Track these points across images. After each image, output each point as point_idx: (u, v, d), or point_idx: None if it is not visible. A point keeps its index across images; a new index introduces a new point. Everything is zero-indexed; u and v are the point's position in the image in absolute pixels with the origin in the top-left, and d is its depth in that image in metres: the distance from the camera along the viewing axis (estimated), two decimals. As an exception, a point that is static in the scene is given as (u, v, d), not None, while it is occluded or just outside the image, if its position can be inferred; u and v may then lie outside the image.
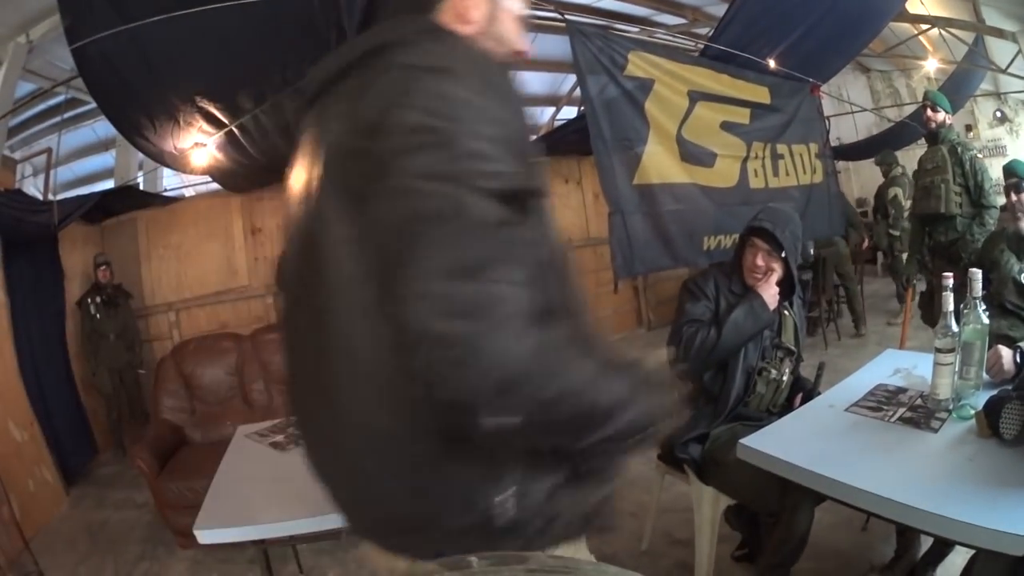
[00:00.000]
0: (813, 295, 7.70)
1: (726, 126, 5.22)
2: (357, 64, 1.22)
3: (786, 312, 3.16)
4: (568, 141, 7.93)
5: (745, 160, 5.39)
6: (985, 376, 2.58)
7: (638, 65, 4.59)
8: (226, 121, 4.96)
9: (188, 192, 8.34)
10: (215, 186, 7.48)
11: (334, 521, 2.42)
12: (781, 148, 5.82)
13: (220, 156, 5.60)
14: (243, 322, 7.64)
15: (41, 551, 4.45)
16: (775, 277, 3.00)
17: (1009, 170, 3.63)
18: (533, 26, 4.90)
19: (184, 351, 5.65)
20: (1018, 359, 2.66)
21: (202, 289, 7.89)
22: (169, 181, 8.35)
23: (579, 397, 1.10)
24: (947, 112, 5.41)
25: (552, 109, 9.38)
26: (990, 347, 2.89)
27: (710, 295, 3.05)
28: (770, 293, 2.98)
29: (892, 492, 1.95)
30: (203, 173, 6.12)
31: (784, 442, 2.42)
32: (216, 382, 5.45)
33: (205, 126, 4.98)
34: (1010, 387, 2.29)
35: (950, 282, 2.47)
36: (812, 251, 7.26)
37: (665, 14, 9.23)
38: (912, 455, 2.23)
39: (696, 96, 4.94)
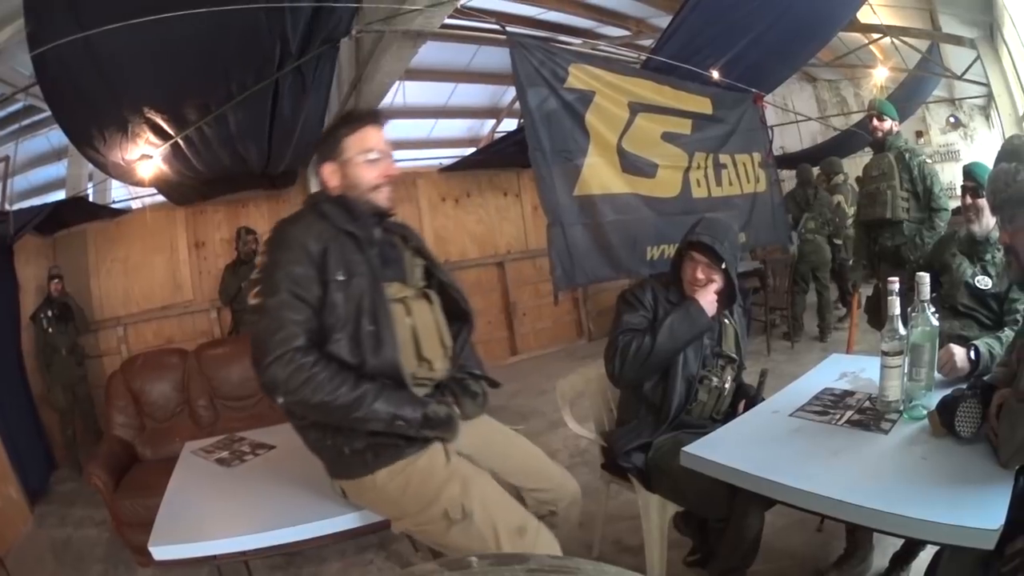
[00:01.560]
0: (761, 301, 7.78)
1: (668, 137, 5.24)
2: None
3: (726, 320, 3.18)
4: (507, 154, 7.97)
5: (687, 170, 5.43)
6: (938, 376, 2.59)
7: (579, 77, 4.61)
8: (172, 132, 4.94)
9: (136, 204, 8.28)
10: (161, 198, 7.44)
11: (284, 536, 2.46)
12: (724, 158, 5.87)
13: (165, 168, 5.58)
14: (188, 337, 7.62)
15: (13, 570, 4.41)
16: (714, 287, 3.03)
17: (968, 173, 3.59)
18: (475, 39, 4.93)
19: (132, 367, 5.52)
20: (972, 357, 2.69)
21: (149, 303, 7.84)
22: (117, 193, 8.25)
23: (315, 397, 2.10)
24: (894, 120, 5.46)
25: (492, 121, 9.38)
26: (943, 348, 2.95)
27: (647, 305, 3.05)
28: (707, 300, 2.99)
29: (844, 494, 1.95)
30: (149, 185, 6.08)
31: (728, 448, 2.40)
32: (163, 398, 5.34)
33: (152, 137, 4.96)
34: (964, 386, 2.28)
35: (896, 286, 2.49)
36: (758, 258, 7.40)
37: (608, 26, 9.21)
38: (863, 456, 2.22)
39: (637, 107, 4.96)
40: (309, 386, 2.10)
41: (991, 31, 9.13)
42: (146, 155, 5.14)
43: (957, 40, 9.79)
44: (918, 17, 9.85)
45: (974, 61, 10.19)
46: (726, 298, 3.11)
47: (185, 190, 6.76)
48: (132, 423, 5.21)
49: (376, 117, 2.52)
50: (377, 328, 2.24)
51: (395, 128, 7.51)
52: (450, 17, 4.63)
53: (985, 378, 2.36)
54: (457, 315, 2.64)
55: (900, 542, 3.00)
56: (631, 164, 4.89)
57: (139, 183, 5.79)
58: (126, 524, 4.18)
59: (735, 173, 6.02)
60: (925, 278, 2.44)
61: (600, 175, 4.68)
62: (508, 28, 4.65)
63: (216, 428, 4.92)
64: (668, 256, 4.73)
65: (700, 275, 3.00)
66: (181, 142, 5.13)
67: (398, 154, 8.23)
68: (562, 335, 9.96)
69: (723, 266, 2.98)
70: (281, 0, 3.71)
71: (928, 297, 2.41)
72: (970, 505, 1.79)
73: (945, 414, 2.18)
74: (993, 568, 1.87)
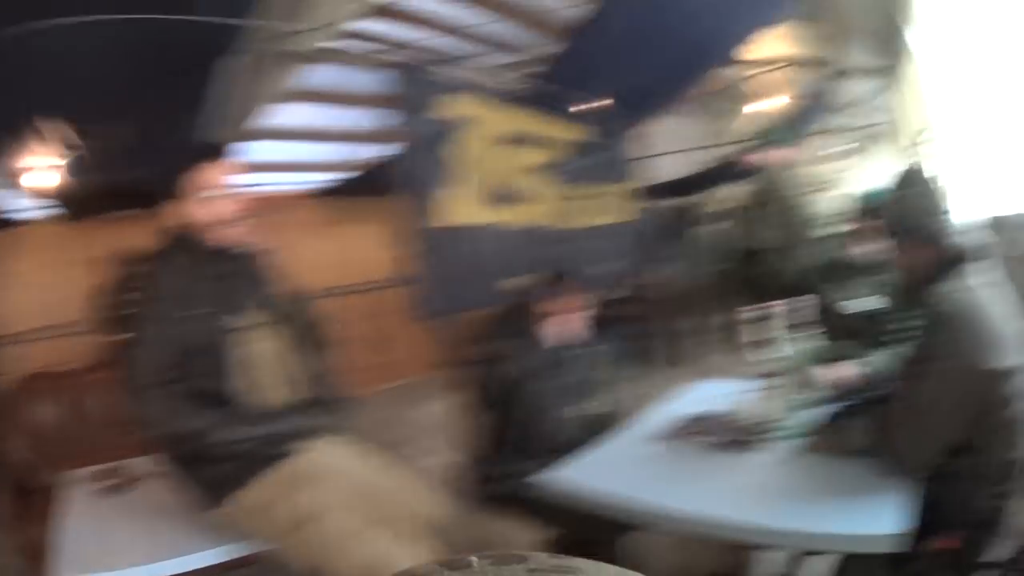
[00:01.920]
0: (636, 327, 7.89)
1: (539, 167, 5.29)
2: None
3: (595, 347, 3.21)
4: (382, 180, 7.79)
5: (555, 200, 5.46)
6: (823, 394, 2.65)
7: (453, 105, 4.63)
8: (73, 145, 4.85)
9: (30, 215, 8.04)
10: (56, 212, 7.11)
11: (185, 565, 2.36)
12: (598, 187, 5.97)
13: (61, 180, 5.42)
14: (77, 358, 7.36)
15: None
16: (582, 314, 3.06)
17: (858, 199, 3.72)
18: (357, 61, 4.91)
19: (25, 388, 5.51)
20: (859, 374, 2.74)
21: (41, 321, 7.47)
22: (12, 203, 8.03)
23: (174, 424, 2.20)
24: (779, 147, 5.58)
25: (370, 146, 9.33)
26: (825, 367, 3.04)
27: (504, 335, 3.08)
28: (572, 328, 3.03)
29: (728, 513, 1.96)
30: (45, 197, 6.00)
31: (593, 474, 2.41)
32: (56, 422, 5.27)
33: (51, 147, 4.86)
34: (846, 403, 2.39)
35: (769, 311, 2.62)
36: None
37: (492, 53, 9.22)
38: (742, 476, 2.26)
39: (508, 137, 5.00)
40: (174, 417, 2.17)
41: (895, 62, 9.38)
42: (45, 165, 5.11)
43: (856, 70, 9.95)
44: (813, 48, 10.05)
45: (873, 89, 10.42)
46: (596, 325, 3.15)
47: (82, 204, 6.60)
48: (28, 447, 5.05)
49: (219, 152, 2.53)
50: (220, 360, 2.28)
51: (270, 150, 7.41)
52: (335, 38, 4.60)
53: (871, 394, 2.44)
54: (313, 344, 2.63)
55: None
56: (499, 193, 4.91)
57: (35, 194, 5.71)
58: (33, 554, 4.06)
59: (609, 202, 6.14)
60: (802, 301, 2.58)
61: (466, 205, 4.68)
62: (388, 51, 4.65)
63: (105, 455, 4.77)
64: (535, 285, 4.75)
65: (568, 304, 3.03)
66: (80, 155, 5.01)
67: (272, 178, 8.33)
68: (432, 363, 9.88)
69: (593, 293, 3.02)
70: (189, 12, 3.63)
71: (806, 320, 2.52)
72: (869, 513, 1.83)
73: (829, 431, 2.27)
74: (904, 567, 1.94)
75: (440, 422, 3.47)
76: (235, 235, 2.44)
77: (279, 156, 9.79)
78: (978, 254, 2.17)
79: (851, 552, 1.86)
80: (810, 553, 2.64)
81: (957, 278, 2.10)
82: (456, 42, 8.60)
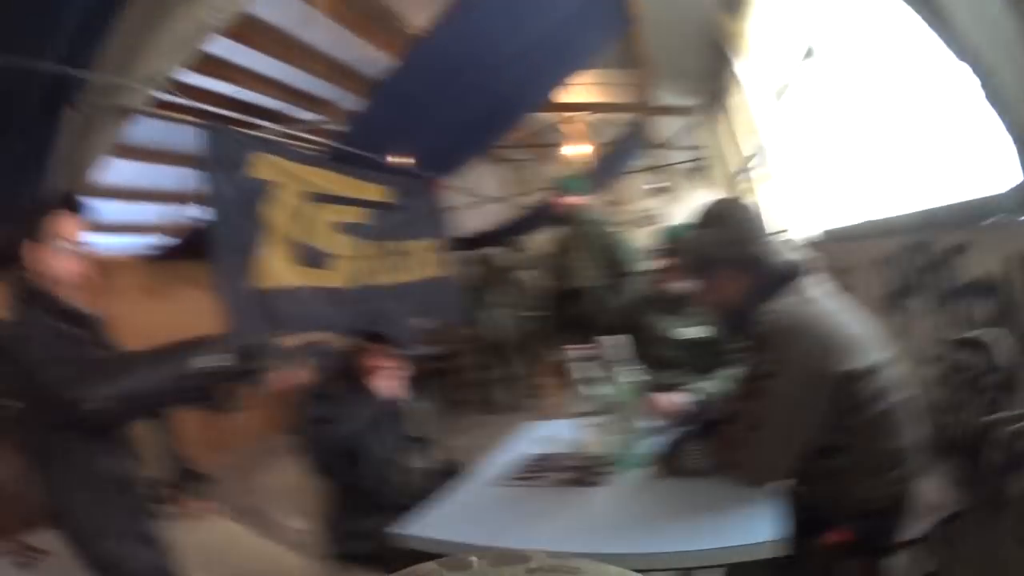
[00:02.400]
0: (452, 378, 8.03)
1: (344, 227, 5.30)
2: None
3: (414, 405, 3.28)
4: (196, 243, 7.61)
5: (363, 259, 5.50)
6: (652, 423, 2.73)
7: (261, 166, 4.59)
8: None
9: None
10: None
11: None
12: (401, 245, 6.02)
13: None
14: None
15: None
16: (399, 372, 3.12)
17: (664, 237, 3.83)
18: (171, 117, 4.82)
19: None
20: (687, 400, 2.88)
21: None
22: None
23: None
24: (580, 194, 5.79)
25: (183, 206, 9.04)
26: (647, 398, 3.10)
27: (329, 396, 3.11)
28: (387, 385, 3.08)
29: (578, 546, 1.94)
30: None
31: (441, 524, 2.40)
32: None
33: None
34: (683, 428, 2.46)
35: (580, 352, 2.63)
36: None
37: (302, 110, 9.28)
38: (586, 510, 2.27)
39: (315, 198, 5.00)
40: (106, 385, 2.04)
41: (712, 97, 9.76)
42: None
43: (668, 111, 10.58)
44: (622, 92, 10.47)
45: (686, 128, 11.11)
46: (407, 382, 3.22)
47: None
48: None
49: (74, 203, 2.48)
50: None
51: (100, 208, 7.11)
52: (161, 91, 4.50)
53: (705, 418, 2.53)
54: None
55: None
56: (306, 255, 4.89)
57: None
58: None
59: (413, 259, 6.20)
60: (614, 340, 2.60)
61: (276, 268, 4.64)
62: (201, 106, 4.59)
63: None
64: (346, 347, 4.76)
65: (379, 364, 3.10)
66: None
67: (97, 238, 7.84)
68: (260, 431, 9.71)
69: (408, 350, 3.10)
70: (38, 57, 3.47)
71: (619, 357, 2.56)
72: (744, 524, 1.90)
73: (667, 457, 2.31)
74: (795, 568, 1.99)
75: (289, 485, 3.44)
76: (82, 298, 2.40)
77: (107, 214, 9.42)
78: (804, 269, 2.26)
79: (731, 563, 1.86)
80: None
81: (786, 295, 2.17)
82: (265, 97, 8.60)
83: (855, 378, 2.07)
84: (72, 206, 2.45)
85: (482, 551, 0.82)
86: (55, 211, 2.39)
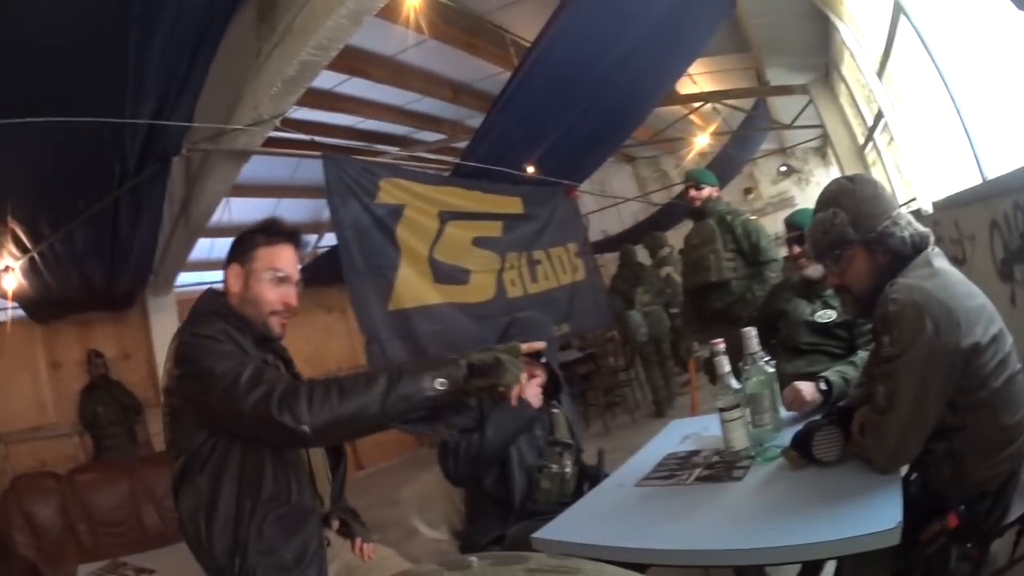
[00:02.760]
0: (598, 380, 7.95)
1: (478, 241, 5.36)
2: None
3: (556, 410, 3.26)
4: (329, 269, 7.75)
5: (500, 272, 5.54)
6: (788, 414, 2.68)
7: (389, 191, 4.68)
8: (29, 245, 4.85)
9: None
10: (20, 313, 7.05)
11: None
12: (538, 254, 6.05)
13: (24, 281, 5.44)
14: (58, 460, 7.31)
15: None
16: (537, 381, 3.10)
17: (790, 223, 3.71)
18: (294, 153, 4.98)
19: (19, 488, 5.45)
20: (823, 387, 2.77)
21: (21, 423, 7.52)
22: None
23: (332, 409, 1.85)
24: (712, 186, 5.66)
25: (315, 236, 9.31)
26: (787, 388, 2.96)
27: (472, 406, 3.12)
28: (531, 394, 3.06)
29: (713, 542, 1.94)
30: (11, 299, 5.86)
31: (580, 527, 2.35)
32: (49, 521, 5.24)
33: (13, 248, 4.86)
34: (817, 418, 2.31)
35: (721, 346, 2.54)
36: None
37: (424, 131, 9.44)
38: (723, 505, 2.21)
39: (447, 216, 5.05)
40: (320, 401, 1.87)
41: (826, 72, 9.56)
42: (8, 266, 5.03)
43: (786, 91, 10.20)
44: (740, 77, 10.24)
45: (805, 106, 10.67)
46: (551, 389, 3.20)
47: (42, 306, 6.63)
48: (31, 543, 5.10)
49: (295, 237, 2.40)
50: (294, 469, 2.15)
51: (224, 246, 7.40)
52: (272, 129, 4.65)
53: (840, 404, 2.46)
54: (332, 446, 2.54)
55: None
56: (443, 273, 4.96)
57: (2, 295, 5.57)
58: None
59: (551, 267, 6.21)
60: (751, 332, 2.52)
61: (413, 288, 4.72)
62: (323, 140, 4.71)
63: (99, 552, 4.74)
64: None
65: (526, 372, 3.09)
66: (36, 256, 5.02)
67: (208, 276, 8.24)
68: (403, 445, 9.97)
69: (543, 360, 3.08)
70: (120, 116, 3.66)
71: (756, 349, 2.48)
72: (860, 514, 1.82)
73: (801, 446, 2.23)
74: (906, 558, 1.98)
75: (433, 495, 3.45)
76: (282, 329, 2.34)
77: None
78: (930, 242, 2.18)
79: (854, 554, 1.82)
80: (816, 563, 2.60)
81: (913, 270, 2.11)
82: (387, 124, 8.79)
83: (980, 351, 1.98)
84: (292, 238, 2.39)
85: (481, 553, 0.79)
86: (272, 237, 2.33)
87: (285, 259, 2.32)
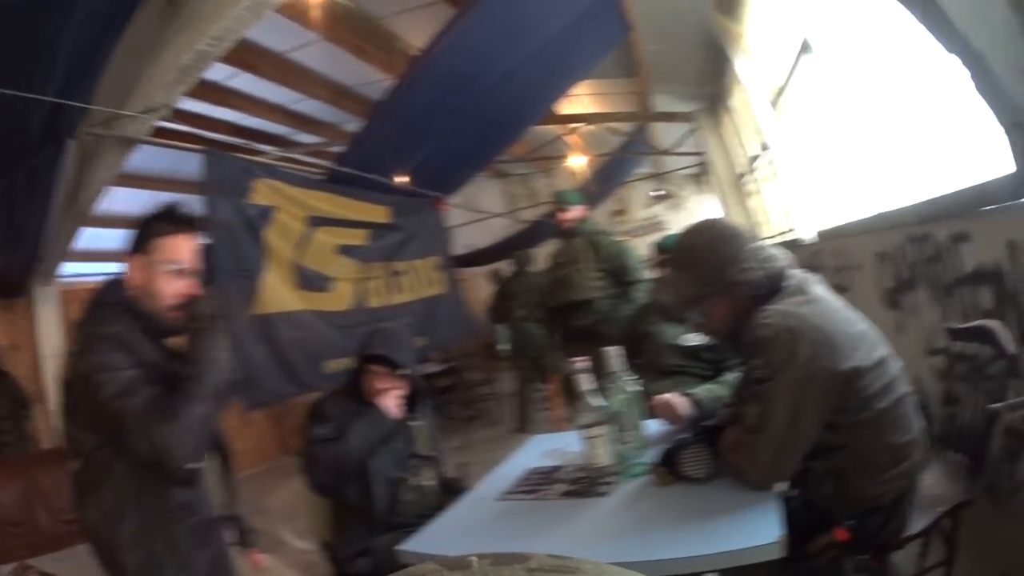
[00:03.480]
0: (459, 394, 8.05)
1: (343, 249, 5.35)
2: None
3: (416, 422, 3.29)
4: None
5: (362, 281, 5.55)
6: (654, 431, 2.73)
7: (262, 192, 4.62)
8: None
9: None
10: None
11: None
12: (401, 265, 6.08)
13: None
14: None
15: None
16: (397, 393, 3.13)
17: (661, 247, 3.79)
18: (177, 145, 4.86)
19: None
20: (689, 408, 2.81)
21: None
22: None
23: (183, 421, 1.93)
24: (579, 206, 5.82)
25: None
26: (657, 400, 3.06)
27: (332, 416, 3.11)
28: (390, 405, 3.09)
29: (582, 555, 1.87)
30: None
31: (443, 540, 2.34)
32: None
33: None
34: (685, 436, 2.36)
35: (582, 364, 2.57)
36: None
37: (303, 133, 9.39)
38: (589, 520, 2.24)
39: (315, 221, 5.04)
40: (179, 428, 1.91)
41: (713, 101, 9.80)
42: None
43: (670, 117, 10.48)
44: (624, 101, 10.37)
45: (687, 134, 11.04)
46: (411, 402, 3.24)
47: None
48: None
49: (193, 226, 2.33)
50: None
51: (104, 237, 7.15)
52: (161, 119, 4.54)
53: (707, 423, 2.50)
54: (216, 448, 2.45)
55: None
56: (307, 280, 4.94)
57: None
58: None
59: (413, 279, 6.25)
60: (613, 351, 2.57)
61: (277, 293, 4.68)
62: (206, 134, 4.62)
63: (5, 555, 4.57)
64: (348, 368, 4.74)
65: (381, 385, 3.11)
66: None
67: (102, 267, 7.90)
68: (267, 453, 9.71)
69: (404, 372, 3.12)
70: (28, 92, 3.47)
71: (619, 368, 2.53)
72: (738, 528, 1.87)
73: (669, 463, 2.26)
74: (794, 570, 2.01)
75: (297, 506, 3.43)
76: (179, 323, 2.27)
77: (110, 243, 9.47)
78: (796, 272, 2.22)
79: (735, 568, 1.82)
80: None
81: (784, 298, 2.14)
82: (267, 122, 8.67)
83: (861, 374, 2.05)
84: (193, 226, 2.32)
85: (481, 553, 0.79)
86: (172, 226, 2.25)
87: (185, 250, 2.27)
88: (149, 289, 2.20)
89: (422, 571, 0.77)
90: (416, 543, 2.37)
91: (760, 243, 2.31)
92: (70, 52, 3.40)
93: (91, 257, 8.19)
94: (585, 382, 2.55)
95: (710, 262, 2.24)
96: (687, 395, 2.91)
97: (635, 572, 0.85)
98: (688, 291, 2.31)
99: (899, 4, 2.39)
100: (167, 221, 2.26)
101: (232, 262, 4.40)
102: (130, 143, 4.33)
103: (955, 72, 2.31)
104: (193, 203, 4.95)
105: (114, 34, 3.52)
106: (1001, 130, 2.27)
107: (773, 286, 2.19)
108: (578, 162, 11.81)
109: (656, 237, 5.02)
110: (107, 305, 2.18)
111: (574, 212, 5.76)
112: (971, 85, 2.22)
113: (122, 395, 1.94)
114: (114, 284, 2.25)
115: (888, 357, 2.17)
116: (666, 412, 2.86)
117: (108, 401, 1.93)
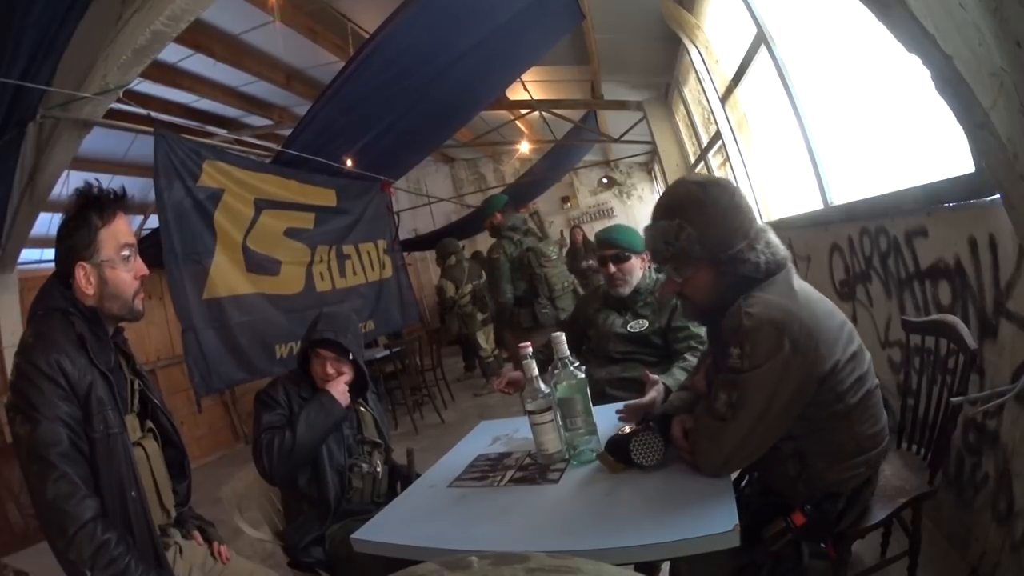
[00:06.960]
0: (406, 379, 8.10)
1: (290, 232, 5.37)
2: None
3: (363, 408, 3.31)
4: (151, 253, 7.26)
5: (310, 264, 5.57)
6: (601, 418, 2.63)
7: (211, 174, 4.61)
8: None
9: None
10: None
11: None
12: (347, 249, 6.11)
13: None
14: None
15: None
16: (344, 378, 3.14)
17: (608, 242, 3.64)
18: (129, 128, 4.80)
19: None
20: (638, 396, 2.86)
21: None
22: None
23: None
24: (505, 209, 6.23)
25: (140, 218, 8.86)
26: (605, 392, 3.23)
27: (282, 403, 3.08)
28: (339, 391, 3.10)
29: (529, 544, 1.86)
30: None
31: (396, 528, 2.33)
32: None
33: None
34: (639, 421, 2.38)
35: (528, 350, 2.58)
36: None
37: (254, 115, 9.38)
38: (538, 507, 2.21)
39: (262, 204, 5.04)
40: (110, 568, 1.90)
41: (666, 91, 9.92)
42: None
43: (621, 106, 10.58)
44: (574, 89, 10.52)
45: (637, 122, 11.13)
46: (358, 387, 3.26)
47: None
48: None
49: (124, 202, 2.18)
50: (137, 492, 2.06)
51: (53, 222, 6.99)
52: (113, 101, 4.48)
53: (657, 411, 2.48)
54: (170, 445, 2.44)
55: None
56: (256, 263, 4.94)
57: None
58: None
59: (359, 262, 6.28)
60: (560, 337, 2.54)
61: (226, 276, 4.68)
62: (159, 116, 4.56)
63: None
64: (296, 353, 4.63)
65: (330, 370, 3.11)
66: None
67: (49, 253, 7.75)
68: (220, 441, 9.69)
69: (351, 357, 3.14)
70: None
71: (566, 354, 2.51)
72: (693, 516, 1.85)
73: (619, 450, 2.23)
74: (750, 554, 2.04)
75: (243, 496, 3.42)
76: (143, 304, 2.25)
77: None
78: (778, 268, 2.11)
79: (691, 555, 1.81)
80: (649, 565, 2.62)
81: (768, 286, 2.05)
82: (219, 105, 8.60)
83: (837, 371, 2.00)
84: (121, 203, 2.16)
85: (481, 552, 0.80)
86: (108, 212, 2.11)
87: (125, 230, 2.17)
88: (109, 291, 2.13)
89: (422, 571, 0.77)
90: (369, 531, 2.37)
91: (765, 226, 2.19)
92: (36, 33, 3.38)
93: (49, 243, 8.07)
94: (533, 368, 2.54)
95: (723, 224, 2.09)
96: (635, 383, 3.00)
97: (634, 572, 0.85)
98: (680, 246, 2.11)
99: (859, 2, 2.28)
100: (96, 210, 2.13)
101: (183, 245, 4.40)
102: (86, 125, 4.29)
103: (914, 71, 2.16)
104: (146, 187, 4.87)
105: (76, 14, 3.49)
106: (960, 130, 2.18)
107: (768, 274, 2.09)
108: (526, 148, 11.95)
109: (602, 224, 5.09)
110: (49, 310, 2.10)
111: (498, 217, 6.02)
112: (931, 85, 2.10)
113: (31, 456, 1.92)
114: (54, 288, 2.15)
115: (860, 350, 2.12)
116: (626, 404, 2.88)
117: (20, 451, 1.94)
